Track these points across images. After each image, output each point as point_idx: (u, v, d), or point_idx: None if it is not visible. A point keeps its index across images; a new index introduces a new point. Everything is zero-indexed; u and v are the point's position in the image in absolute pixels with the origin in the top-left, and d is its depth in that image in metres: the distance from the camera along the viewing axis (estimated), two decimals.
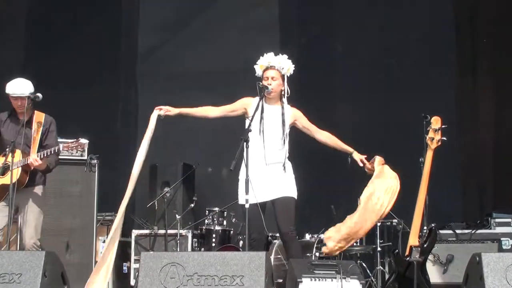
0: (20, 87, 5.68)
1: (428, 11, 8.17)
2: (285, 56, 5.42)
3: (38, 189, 5.76)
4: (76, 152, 5.82)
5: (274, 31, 8.47)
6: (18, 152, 5.67)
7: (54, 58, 8.51)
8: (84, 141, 5.59)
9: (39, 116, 5.78)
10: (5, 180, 5.57)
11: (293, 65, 5.43)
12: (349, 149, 5.47)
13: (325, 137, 5.47)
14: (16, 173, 5.56)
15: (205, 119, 5.49)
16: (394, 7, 8.23)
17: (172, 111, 5.46)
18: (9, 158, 5.56)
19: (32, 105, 5.74)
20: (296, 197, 5.32)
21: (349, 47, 8.33)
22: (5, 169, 5.58)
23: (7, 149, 5.59)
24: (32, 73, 8.47)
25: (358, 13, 8.32)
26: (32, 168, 5.59)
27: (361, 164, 5.42)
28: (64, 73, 8.31)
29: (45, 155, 5.55)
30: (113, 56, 8.74)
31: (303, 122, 5.44)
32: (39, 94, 5.73)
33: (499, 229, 6.88)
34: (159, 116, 5.46)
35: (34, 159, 5.51)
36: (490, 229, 6.93)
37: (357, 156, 5.44)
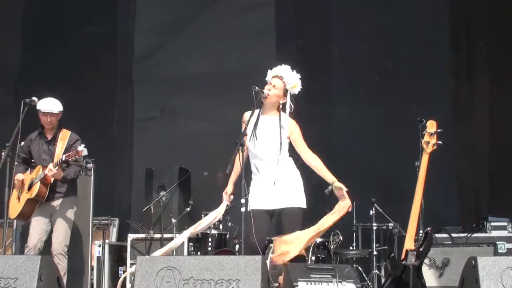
0: (49, 104, 6.02)
1: (424, 14, 8.18)
2: (298, 75, 5.38)
3: (70, 200, 6.10)
4: (77, 160, 5.96)
5: (270, 34, 8.47)
6: (40, 168, 6.00)
7: (50, 61, 8.51)
8: (81, 148, 5.75)
9: (64, 134, 6.13)
10: (30, 195, 5.92)
11: (301, 86, 5.38)
12: (331, 178, 5.21)
13: (311, 161, 5.28)
14: (36, 187, 5.88)
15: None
16: (390, 11, 8.24)
17: (229, 190, 5.47)
18: (34, 174, 5.97)
19: (58, 123, 6.12)
20: (304, 206, 5.28)
21: (345, 50, 8.34)
22: (31, 184, 5.95)
23: (3, 153, 5.88)
24: (28, 76, 8.54)
25: (354, 17, 8.33)
26: (52, 180, 5.90)
27: (341, 194, 5.16)
28: (59, 76, 8.32)
29: (59, 163, 5.79)
30: (109, 59, 8.74)
31: (295, 138, 5.32)
32: (35, 98, 5.90)
33: (494, 233, 6.89)
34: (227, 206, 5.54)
35: (49, 168, 5.79)
36: (486, 232, 6.93)
37: (339, 185, 5.15)
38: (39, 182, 5.87)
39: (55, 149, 6.04)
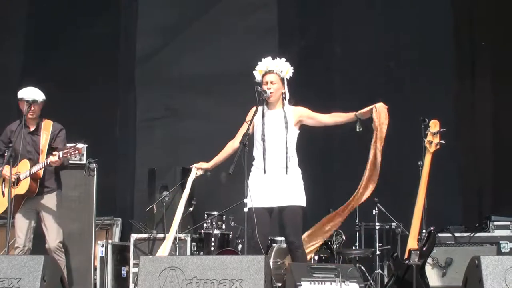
0: (31, 93, 5.91)
1: (427, 14, 8.17)
2: (283, 59, 5.43)
3: (55, 195, 5.98)
4: (75, 157, 5.92)
5: (273, 34, 8.46)
6: (26, 162, 5.86)
7: (53, 62, 8.51)
8: (80, 145, 5.69)
9: (47, 124, 5.99)
10: (18, 190, 5.80)
11: (292, 68, 5.42)
12: (351, 114, 5.27)
13: (331, 118, 5.35)
14: (26, 182, 5.77)
15: (234, 151, 5.38)
16: (393, 10, 8.24)
17: (205, 165, 5.59)
18: (20, 168, 5.82)
19: (40, 113, 5.97)
20: (304, 205, 5.29)
21: (348, 50, 8.33)
22: (17, 179, 5.81)
23: (5, 157, 5.83)
24: (31, 77, 8.52)
25: (357, 16, 8.32)
26: (42, 174, 5.79)
27: (369, 114, 5.23)
28: (62, 77, 8.32)
29: (60, 156, 5.69)
30: (111, 60, 8.74)
31: (309, 115, 5.35)
32: (37, 98, 5.92)
33: (497, 232, 6.88)
34: (196, 174, 5.59)
35: (55, 160, 5.68)
36: (489, 232, 6.93)
37: (362, 112, 5.25)
38: (28, 177, 5.76)
39: (39, 140, 5.91)
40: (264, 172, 5.24)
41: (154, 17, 8.82)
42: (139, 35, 8.87)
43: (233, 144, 5.45)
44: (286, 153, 5.24)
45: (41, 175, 5.83)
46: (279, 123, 5.31)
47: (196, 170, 5.59)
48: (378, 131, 5.29)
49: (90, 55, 8.52)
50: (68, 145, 5.85)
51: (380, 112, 5.26)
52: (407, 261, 5.19)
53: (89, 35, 8.61)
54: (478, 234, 6.92)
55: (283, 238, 6.42)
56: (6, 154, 5.87)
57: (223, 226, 7.12)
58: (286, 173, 5.23)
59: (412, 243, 5.23)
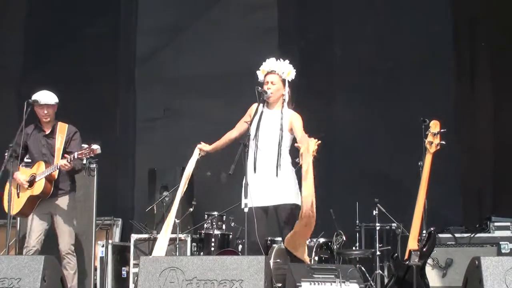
0: (45, 96, 5.95)
1: (427, 14, 8.17)
2: (286, 61, 5.45)
3: (69, 197, 6.00)
4: (90, 158, 5.95)
5: (273, 35, 8.46)
6: (41, 164, 5.90)
7: (53, 62, 8.51)
8: (95, 146, 5.70)
9: (62, 127, 6.04)
10: (33, 191, 5.85)
11: (294, 70, 5.43)
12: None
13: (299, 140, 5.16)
14: (41, 184, 5.81)
15: (231, 142, 5.49)
16: (392, 11, 8.23)
17: (207, 147, 5.66)
18: (35, 170, 5.87)
19: (54, 116, 6.03)
20: (298, 203, 5.26)
21: (348, 51, 8.33)
22: (32, 180, 5.86)
23: (6, 154, 5.82)
24: (31, 77, 8.55)
25: (357, 17, 8.32)
26: (56, 176, 5.85)
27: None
28: (62, 77, 8.31)
29: (71, 160, 5.73)
30: (111, 60, 8.74)
31: (295, 126, 5.29)
32: (37, 99, 5.92)
33: (498, 233, 6.88)
34: (199, 155, 5.67)
35: (64, 163, 5.72)
36: (489, 233, 6.92)
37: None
38: (43, 178, 5.80)
39: (55, 143, 5.96)
40: (254, 171, 5.25)
41: (154, 17, 8.82)
42: (139, 35, 8.86)
43: (231, 134, 5.53)
44: (278, 153, 5.25)
45: (56, 176, 5.87)
46: (274, 123, 5.33)
47: (199, 151, 5.65)
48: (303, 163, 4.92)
49: (90, 55, 8.52)
50: (82, 145, 5.88)
51: (304, 143, 4.91)
52: (407, 262, 5.19)
53: (89, 35, 8.60)
54: (478, 235, 6.91)
55: None
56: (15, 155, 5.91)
57: (223, 227, 7.12)
58: (277, 172, 5.23)
59: (412, 243, 5.23)
